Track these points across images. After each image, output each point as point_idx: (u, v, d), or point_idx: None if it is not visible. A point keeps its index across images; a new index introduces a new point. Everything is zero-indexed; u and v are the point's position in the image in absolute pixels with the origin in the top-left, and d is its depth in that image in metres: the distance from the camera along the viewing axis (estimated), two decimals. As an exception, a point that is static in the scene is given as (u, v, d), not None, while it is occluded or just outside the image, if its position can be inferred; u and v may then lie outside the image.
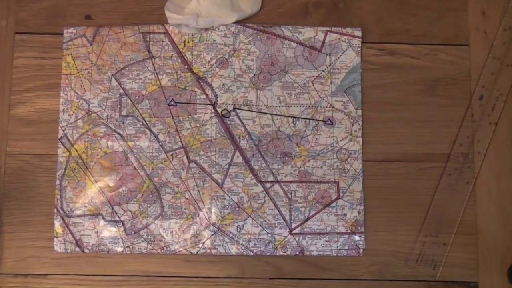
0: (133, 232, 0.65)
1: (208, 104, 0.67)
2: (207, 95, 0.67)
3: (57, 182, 0.66)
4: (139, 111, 0.67)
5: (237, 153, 0.67)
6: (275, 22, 0.69)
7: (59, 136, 0.67)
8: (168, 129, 0.67)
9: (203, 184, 0.66)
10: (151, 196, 0.66)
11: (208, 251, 0.65)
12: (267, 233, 0.66)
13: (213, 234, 0.65)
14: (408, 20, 0.69)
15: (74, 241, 0.65)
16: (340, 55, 0.68)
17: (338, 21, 0.69)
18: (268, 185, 0.66)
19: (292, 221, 0.66)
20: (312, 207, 0.66)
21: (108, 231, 0.65)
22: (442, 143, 0.68)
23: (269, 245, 0.66)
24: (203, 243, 0.65)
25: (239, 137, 0.67)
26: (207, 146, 0.66)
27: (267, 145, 0.67)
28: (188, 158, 0.66)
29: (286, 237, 0.66)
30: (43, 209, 0.66)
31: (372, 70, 0.69)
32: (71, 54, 0.68)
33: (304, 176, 0.67)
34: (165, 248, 0.65)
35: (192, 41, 0.68)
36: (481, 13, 0.70)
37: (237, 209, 0.66)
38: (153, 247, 0.65)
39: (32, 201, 0.66)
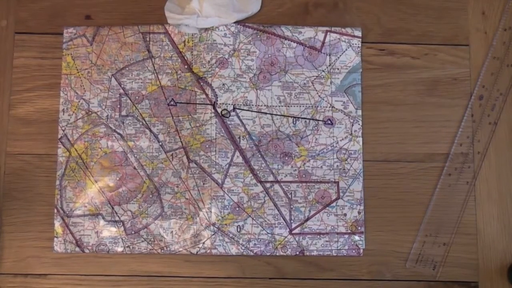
0: (133, 232, 0.65)
1: (208, 104, 0.67)
2: (207, 95, 0.67)
3: (57, 182, 0.66)
4: (139, 111, 0.67)
5: (237, 153, 0.67)
6: (275, 22, 0.69)
7: (59, 136, 0.67)
8: (168, 129, 0.67)
9: (203, 184, 0.66)
10: (151, 196, 0.66)
11: (208, 251, 0.65)
12: (267, 233, 0.66)
13: (213, 234, 0.65)
14: (408, 20, 0.69)
15: (74, 241, 0.65)
16: (340, 55, 0.68)
17: (338, 21, 0.69)
18: (268, 185, 0.66)
19: (292, 221, 0.66)
20: (312, 207, 0.66)
21: (108, 231, 0.65)
22: (442, 143, 0.68)
23: (269, 245, 0.66)
24: (203, 243, 0.65)
25: (239, 137, 0.67)
26: (207, 146, 0.66)
27: (267, 145, 0.67)
28: (188, 158, 0.66)
29: (286, 237, 0.66)
30: (43, 209, 0.66)
31: (372, 70, 0.69)
32: (71, 54, 0.68)
33: (304, 176, 0.67)
34: (165, 248, 0.65)
35: (192, 41, 0.68)
36: (481, 13, 0.70)
37: (237, 209, 0.66)
38: (153, 247, 0.65)
39: (32, 201, 0.66)
